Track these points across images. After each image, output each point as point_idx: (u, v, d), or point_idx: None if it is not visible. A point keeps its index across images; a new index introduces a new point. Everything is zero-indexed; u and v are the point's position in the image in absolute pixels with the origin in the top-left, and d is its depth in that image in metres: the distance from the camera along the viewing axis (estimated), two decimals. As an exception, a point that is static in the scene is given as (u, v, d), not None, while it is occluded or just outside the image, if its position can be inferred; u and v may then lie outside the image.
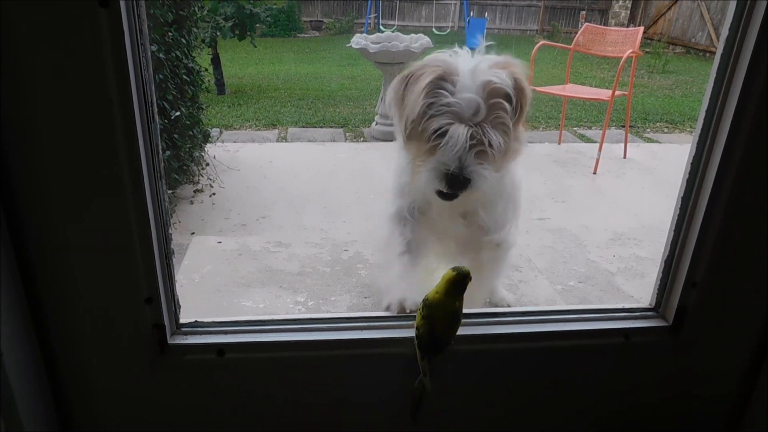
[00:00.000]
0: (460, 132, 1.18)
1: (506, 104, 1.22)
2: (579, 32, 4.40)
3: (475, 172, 1.20)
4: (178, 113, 2.76)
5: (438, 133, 1.21)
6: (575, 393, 1.08)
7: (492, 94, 1.21)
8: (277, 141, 4.65)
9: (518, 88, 1.25)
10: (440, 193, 1.25)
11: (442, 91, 1.21)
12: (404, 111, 1.27)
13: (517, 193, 1.55)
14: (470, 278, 0.92)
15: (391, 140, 4.72)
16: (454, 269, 0.92)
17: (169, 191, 2.79)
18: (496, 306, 1.89)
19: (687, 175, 0.95)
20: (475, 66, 1.25)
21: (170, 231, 0.91)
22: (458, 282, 0.91)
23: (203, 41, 4.15)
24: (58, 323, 0.88)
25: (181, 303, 0.96)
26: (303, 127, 5.05)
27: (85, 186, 0.79)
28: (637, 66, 4.67)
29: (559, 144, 4.67)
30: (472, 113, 1.20)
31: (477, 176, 1.21)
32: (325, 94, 6.42)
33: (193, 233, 2.81)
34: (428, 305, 0.92)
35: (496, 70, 1.24)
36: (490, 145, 1.20)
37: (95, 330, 0.90)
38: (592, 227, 3.01)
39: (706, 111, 0.90)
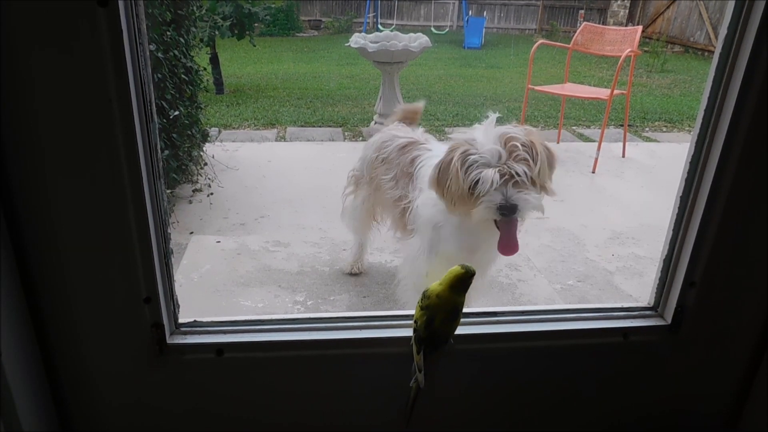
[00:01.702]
0: (489, 174, 1.49)
1: (521, 144, 1.52)
2: (578, 31, 4.40)
3: (519, 199, 1.52)
4: (176, 112, 2.76)
5: (476, 182, 1.51)
6: (574, 392, 1.09)
7: (508, 140, 1.52)
8: (276, 140, 4.65)
9: (530, 142, 1.55)
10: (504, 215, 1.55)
11: (470, 157, 1.53)
12: (446, 187, 1.58)
13: None
14: (472, 278, 0.92)
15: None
16: (462, 266, 0.92)
17: (168, 191, 2.79)
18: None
19: (686, 174, 0.95)
20: (486, 127, 1.58)
21: (169, 230, 0.91)
22: (463, 279, 0.91)
23: (201, 40, 4.14)
24: (57, 323, 0.88)
25: (179, 303, 0.96)
26: (302, 126, 5.04)
27: (84, 186, 0.79)
28: (635, 65, 4.67)
29: (557, 143, 4.67)
30: (497, 159, 1.51)
31: (521, 201, 1.52)
32: (324, 93, 6.41)
33: (191, 233, 2.81)
34: (428, 296, 0.92)
35: (508, 126, 1.58)
36: (518, 175, 1.50)
37: (94, 330, 0.90)
38: (591, 226, 3.01)
39: (705, 110, 0.90)
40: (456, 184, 1.55)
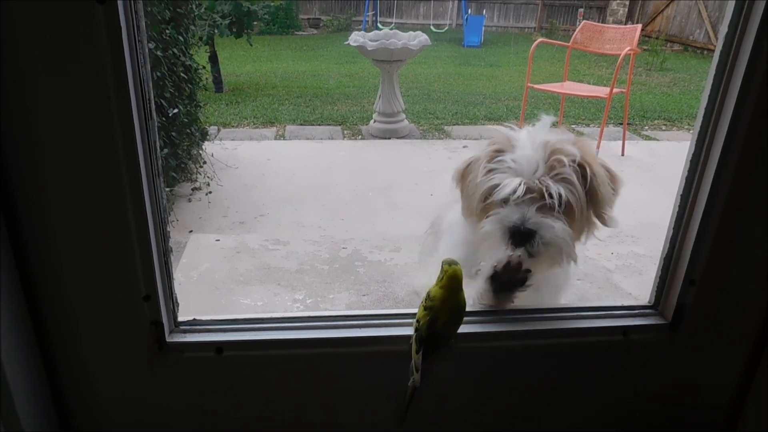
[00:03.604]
0: (513, 183, 1.13)
1: (569, 161, 1.14)
2: (577, 30, 4.40)
3: (539, 224, 1.11)
4: (175, 111, 2.75)
5: (496, 191, 1.16)
6: (573, 390, 1.08)
7: (552, 152, 1.15)
8: (275, 139, 4.65)
9: (584, 160, 1.18)
10: (514, 244, 1.16)
11: (500, 157, 1.18)
12: (466, 185, 1.26)
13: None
14: (460, 272, 0.93)
15: (389, 138, 4.74)
16: (447, 261, 0.92)
17: (167, 189, 2.79)
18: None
19: (686, 173, 0.95)
20: (533, 130, 1.23)
21: (168, 229, 0.91)
22: (453, 277, 0.92)
23: (200, 39, 4.13)
24: (57, 321, 0.88)
25: (179, 301, 0.96)
26: (301, 124, 5.04)
27: (83, 184, 0.79)
28: (635, 63, 4.67)
29: (557, 141, 4.66)
30: (532, 171, 1.14)
31: (542, 228, 1.11)
32: (323, 91, 6.41)
33: (191, 231, 2.81)
34: (432, 298, 0.92)
35: (561, 134, 1.22)
36: (551, 197, 1.12)
37: (93, 328, 0.90)
38: (591, 225, 3.01)
39: (705, 108, 0.90)
40: (474, 182, 1.23)
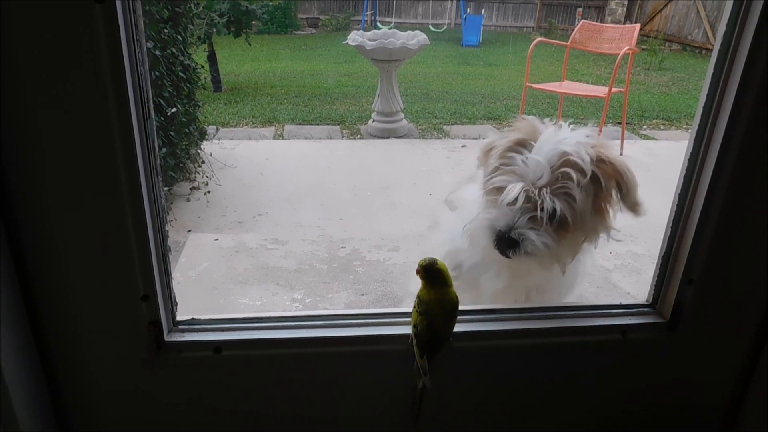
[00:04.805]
0: (515, 191, 1.13)
1: (577, 176, 1.13)
2: (575, 29, 4.40)
3: (523, 235, 1.14)
4: (174, 110, 2.75)
5: (498, 189, 1.19)
6: (572, 389, 1.09)
7: (564, 164, 1.14)
8: (274, 138, 4.64)
9: (604, 168, 1.18)
10: (497, 247, 1.19)
11: (517, 154, 1.18)
12: (486, 169, 1.26)
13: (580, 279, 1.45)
14: (438, 265, 0.92)
15: (388, 137, 4.73)
16: (423, 263, 0.92)
17: (166, 188, 2.79)
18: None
19: (684, 172, 0.95)
20: (555, 134, 1.21)
21: (166, 228, 0.91)
22: (432, 271, 0.92)
23: (199, 38, 4.13)
24: (55, 321, 0.88)
25: (177, 300, 0.96)
26: (299, 124, 5.04)
27: (82, 183, 0.79)
28: (633, 63, 4.67)
29: (555, 141, 4.66)
30: (536, 177, 1.14)
31: (525, 240, 1.14)
32: (322, 91, 6.40)
33: (189, 230, 2.80)
34: (426, 302, 0.92)
35: (580, 143, 1.19)
36: (542, 210, 1.12)
37: (92, 327, 0.89)
38: (589, 224, 3.01)
39: (704, 107, 0.90)
40: (487, 168, 1.24)
